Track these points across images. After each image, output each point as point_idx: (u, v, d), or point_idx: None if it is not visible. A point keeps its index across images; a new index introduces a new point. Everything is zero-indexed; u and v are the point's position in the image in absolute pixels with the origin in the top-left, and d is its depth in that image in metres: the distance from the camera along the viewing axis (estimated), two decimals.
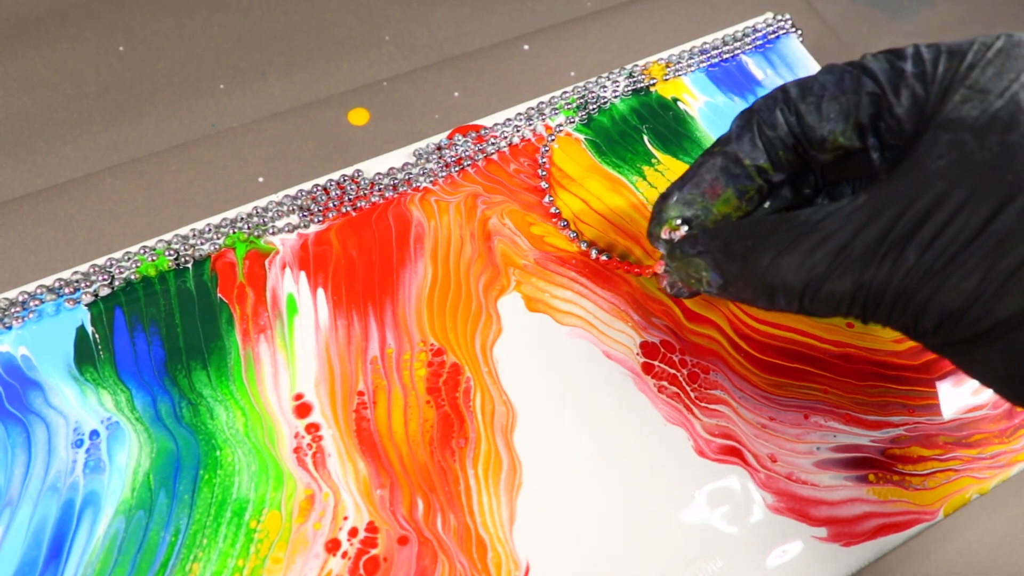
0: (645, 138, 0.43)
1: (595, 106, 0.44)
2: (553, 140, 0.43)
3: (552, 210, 0.40)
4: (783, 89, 0.32)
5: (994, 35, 0.28)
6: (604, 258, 0.39)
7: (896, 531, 0.35)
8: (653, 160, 0.43)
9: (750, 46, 0.47)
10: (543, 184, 0.41)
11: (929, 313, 0.27)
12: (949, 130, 0.27)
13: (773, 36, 0.48)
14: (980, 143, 0.26)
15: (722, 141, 0.34)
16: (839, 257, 0.28)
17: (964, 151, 0.26)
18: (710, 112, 0.45)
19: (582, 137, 0.43)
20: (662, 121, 0.44)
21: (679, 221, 0.34)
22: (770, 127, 0.32)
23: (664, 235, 0.34)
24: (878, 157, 0.31)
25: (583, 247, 0.39)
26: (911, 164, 0.27)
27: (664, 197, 0.34)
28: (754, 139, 0.33)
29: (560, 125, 0.43)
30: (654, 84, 0.45)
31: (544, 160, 0.42)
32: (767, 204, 0.35)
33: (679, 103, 0.45)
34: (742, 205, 0.34)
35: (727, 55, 0.47)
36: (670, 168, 0.42)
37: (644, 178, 0.42)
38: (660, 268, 0.37)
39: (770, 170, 0.33)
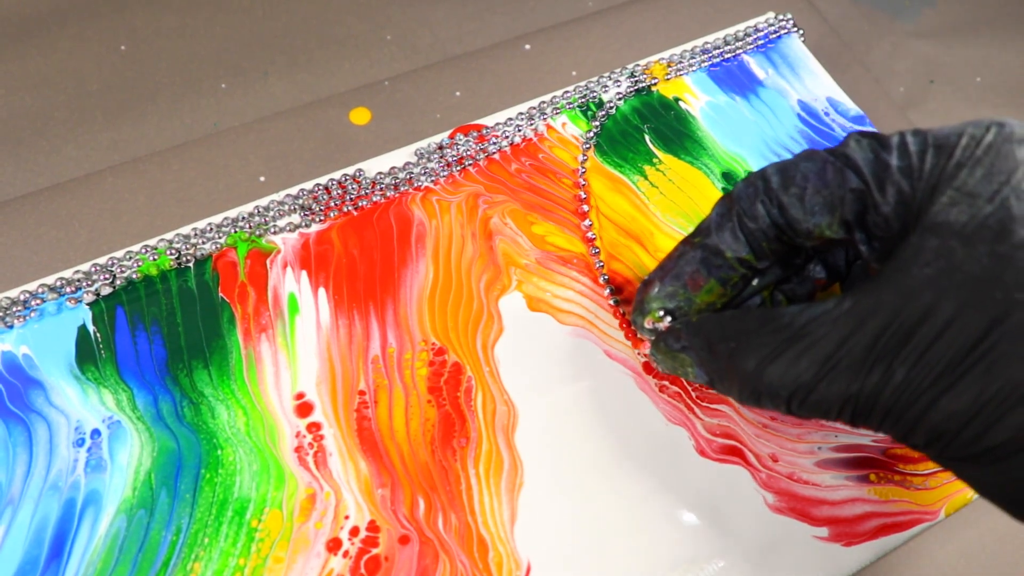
0: (647, 137, 0.43)
1: (603, 113, 0.44)
2: (586, 160, 0.42)
3: (589, 235, 0.40)
4: (763, 177, 0.31)
5: (984, 124, 0.27)
6: (616, 306, 0.39)
7: (897, 531, 0.35)
8: (654, 160, 0.43)
9: (752, 46, 0.47)
10: (584, 207, 0.41)
11: (919, 431, 0.26)
12: (937, 235, 0.26)
13: (775, 36, 0.48)
14: (969, 252, 0.25)
15: (701, 231, 0.33)
16: (825, 366, 0.27)
17: (952, 260, 0.25)
18: (711, 112, 0.45)
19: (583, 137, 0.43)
20: (663, 120, 0.44)
21: (662, 312, 0.33)
22: (751, 219, 0.31)
23: (648, 325, 0.34)
24: (866, 249, 0.29)
25: (603, 282, 0.39)
26: (897, 268, 0.26)
27: (645, 286, 0.34)
28: (735, 231, 0.32)
29: (589, 138, 0.43)
30: (655, 84, 0.45)
31: (583, 181, 0.41)
32: (755, 282, 0.34)
33: (680, 103, 0.45)
34: (727, 291, 0.33)
35: (729, 55, 0.47)
36: (671, 168, 0.42)
37: (645, 177, 0.42)
38: (647, 350, 0.37)
39: (753, 260, 0.32)
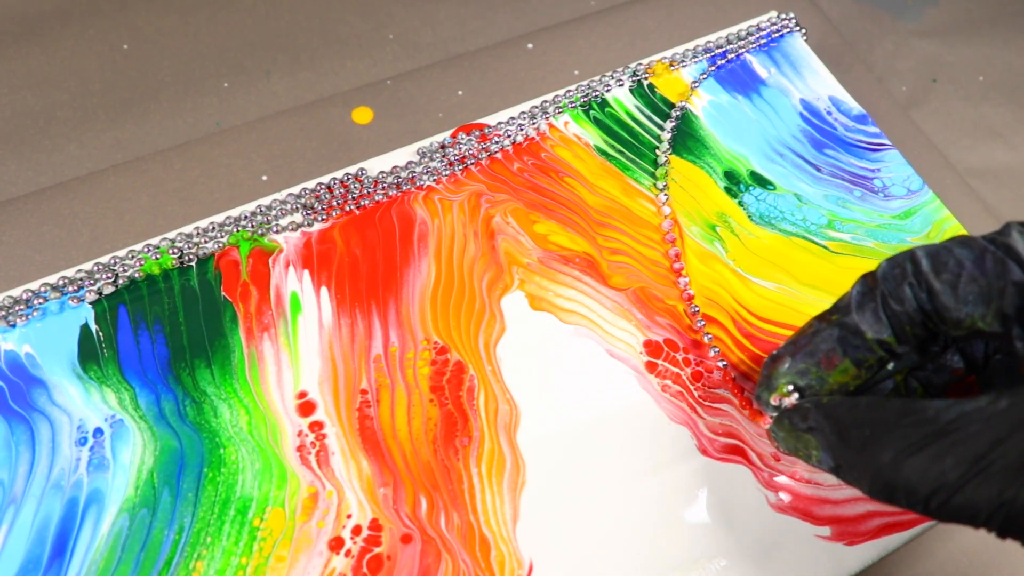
0: (650, 138, 0.43)
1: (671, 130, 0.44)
2: (667, 203, 0.41)
3: (688, 292, 0.39)
4: (912, 259, 0.29)
5: None
6: (720, 364, 0.37)
7: (899, 530, 0.34)
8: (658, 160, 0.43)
9: (754, 45, 0.47)
10: (672, 255, 0.40)
11: None
12: None
13: (777, 35, 0.48)
14: None
15: (840, 309, 0.31)
16: (975, 467, 0.24)
17: None
18: (714, 111, 0.45)
19: (591, 141, 0.43)
20: (667, 120, 0.44)
21: (791, 387, 0.32)
22: (897, 301, 0.30)
23: (773, 402, 0.32)
24: (1022, 346, 0.28)
25: (707, 341, 0.38)
26: None
27: (774, 361, 0.32)
28: (877, 311, 0.30)
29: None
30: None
31: (669, 221, 0.41)
32: (890, 366, 0.32)
33: (683, 102, 0.45)
34: (861, 373, 0.31)
35: (731, 54, 0.47)
36: (674, 167, 0.42)
37: (650, 177, 0.42)
38: (766, 424, 0.36)
39: (894, 344, 0.30)
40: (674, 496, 0.34)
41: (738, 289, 0.39)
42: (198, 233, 0.38)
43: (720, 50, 0.47)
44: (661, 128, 0.44)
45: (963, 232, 0.42)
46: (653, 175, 0.42)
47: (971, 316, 0.28)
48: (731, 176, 0.43)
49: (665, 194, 0.41)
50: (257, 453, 0.34)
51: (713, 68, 0.46)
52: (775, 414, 0.32)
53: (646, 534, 0.34)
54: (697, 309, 0.38)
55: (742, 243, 0.41)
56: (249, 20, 0.54)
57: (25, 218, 0.44)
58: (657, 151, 0.43)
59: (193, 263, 0.38)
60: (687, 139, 0.43)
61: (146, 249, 0.37)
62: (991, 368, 0.32)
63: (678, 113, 0.44)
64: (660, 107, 0.44)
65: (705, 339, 0.38)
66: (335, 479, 0.33)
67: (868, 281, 0.31)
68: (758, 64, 0.47)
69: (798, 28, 0.48)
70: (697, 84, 0.45)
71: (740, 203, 0.42)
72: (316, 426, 0.35)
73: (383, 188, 0.40)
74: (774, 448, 0.35)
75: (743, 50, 0.47)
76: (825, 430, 0.29)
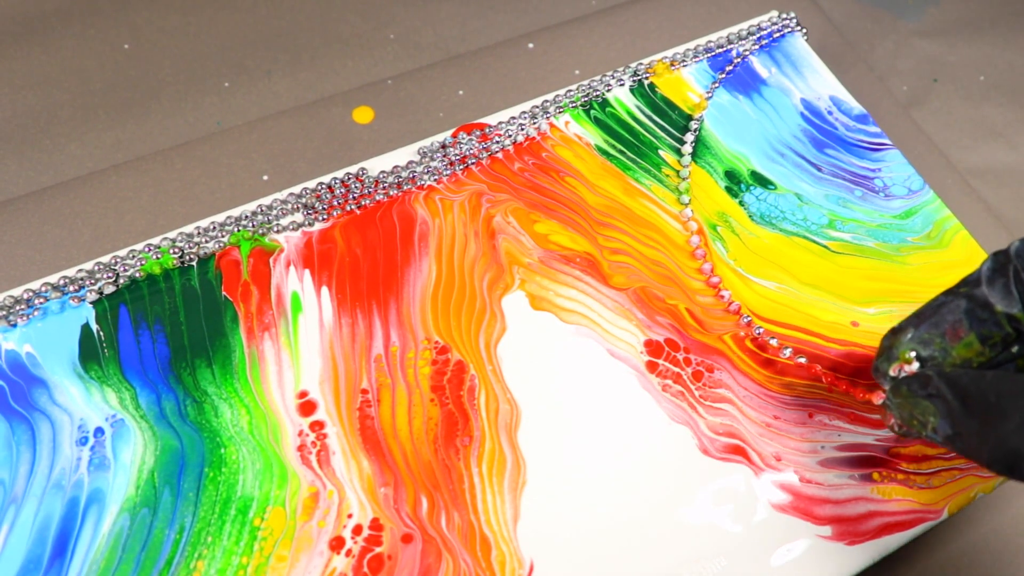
0: (651, 138, 0.43)
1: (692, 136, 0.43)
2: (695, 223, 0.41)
3: (734, 304, 0.39)
4: None
5: None
6: (800, 360, 0.37)
7: (900, 530, 0.35)
8: (659, 160, 0.43)
9: (755, 45, 0.47)
10: (707, 269, 0.40)
11: None
12: None
13: (778, 35, 0.48)
14: None
15: (969, 282, 0.31)
16: None
17: None
18: (715, 110, 0.45)
19: (592, 140, 0.43)
20: (668, 119, 0.44)
21: (912, 354, 0.31)
22: None
23: (893, 372, 0.32)
24: None
25: (774, 344, 0.38)
26: None
27: (896, 332, 0.32)
28: (1008, 286, 0.30)
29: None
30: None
31: (703, 253, 0.40)
32: (1014, 348, 0.31)
33: (684, 102, 0.45)
34: (985, 351, 0.31)
35: (737, 58, 0.47)
36: (678, 168, 0.42)
37: (651, 177, 0.42)
38: (878, 400, 0.35)
39: (1022, 319, 0.30)
40: (674, 496, 0.34)
41: (739, 289, 0.39)
42: (199, 233, 0.38)
43: (721, 50, 0.47)
44: (667, 133, 0.44)
45: (964, 232, 0.42)
46: (657, 177, 0.42)
47: None
48: (732, 176, 0.43)
49: (690, 208, 0.41)
50: (258, 453, 0.34)
51: (723, 75, 0.46)
52: (889, 385, 0.32)
53: (646, 534, 0.34)
54: (749, 318, 0.38)
55: (743, 243, 0.41)
56: (250, 20, 0.54)
57: (26, 217, 0.44)
58: (679, 162, 0.43)
59: (194, 263, 0.38)
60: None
61: (147, 249, 0.37)
62: None
63: (696, 125, 0.44)
64: (661, 107, 0.44)
65: (772, 343, 0.37)
66: (336, 479, 0.34)
67: (1000, 257, 0.31)
68: (759, 64, 0.47)
69: (799, 28, 0.48)
70: (710, 95, 0.45)
71: (741, 203, 0.42)
72: (317, 426, 0.35)
73: (384, 188, 0.40)
74: (887, 421, 0.33)
75: (749, 52, 0.47)
76: (947, 396, 0.29)
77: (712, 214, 0.41)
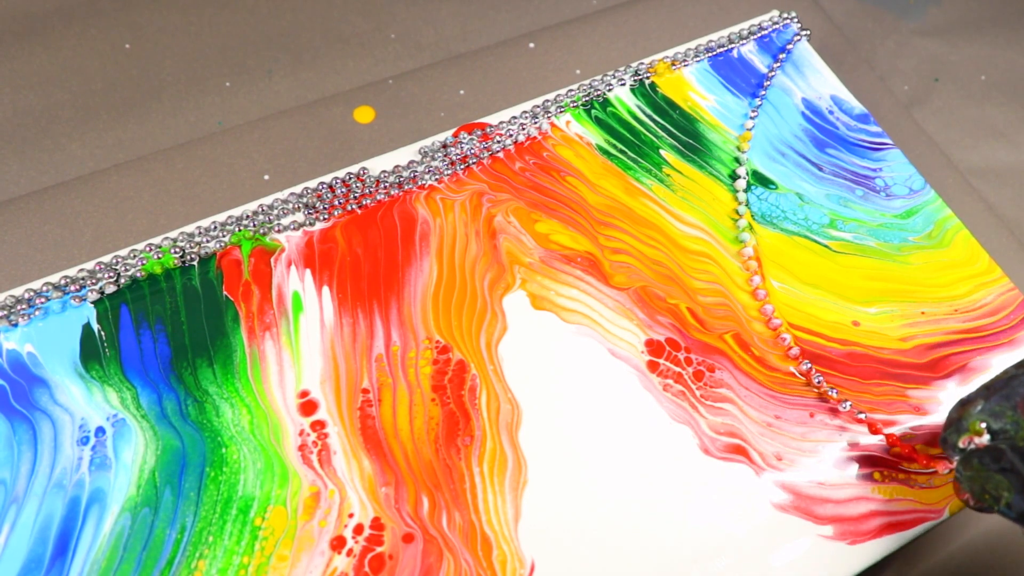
0: (652, 137, 0.43)
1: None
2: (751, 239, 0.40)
3: (786, 341, 0.38)
4: None
5: None
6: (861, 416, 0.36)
7: (902, 529, 0.34)
8: (660, 160, 0.43)
9: (756, 44, 0.47)
10: (768, 311, 0.39)
11: None
12: None
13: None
14: None
15: None
16: None
17: None
18: (716, 111, 0.45)
19: (593, 140, 0.43)
20: (668, 119, 0.44)
21: (983, 425, 0.31)
22: None
23: (962, 444, 0.31)
24: None
25: (834, 395, 0.37)
26: None
27: (965, 403, 0.32)
28: None
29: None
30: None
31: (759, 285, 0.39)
32: None
33: (685, 101, 0.45)
34: None
35: (734, 54, 0.47)
36: (678, 167, 0.42)
37: (652, 177, 0.42)
38: (944, 470, 0.35)
39: None
40: (675, 495, 0.34)
41: (739, 289, 0.39)
42: (200, 232, 0.38)
43: (722, 49, 0.47)
44: (668, 132, 0.44)
45: (965, 232, 0.42)
46: (658, 176, 0.42)
47: None
48: (732, 177, 0.43)
49: (751, 247, 0.40)
50: (259, 452, 0.34)
51: (759, 101, 0.45)
52: (958, 457, 0.31)
53: (647, 533, 0.34)
54: (810, 366, 0.37)
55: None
56: (251, 19, 0.54)
57: (27, 217, 0.44)
58: (735, 198, 0.42)
59: (195, 262, 0.38)
60: (690, 139, 0.43)
61: (148, 248, 0.37)
62: None
63: (746, 156, 0.43)
64: (662, 106, 0.44)
65: (831, 393, 0.36)
66: (337, 478, 0.34)
67: None
68: (760, 63, 0.47)
69: (800, 27, 0.48)
70: (753, 120, 0.44)
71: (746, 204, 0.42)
72: (318, 425, 0.35)
73: (385, 187, 0.40)
74: (959, 495, 0.33)
75: (747, 51, 0.47)
76: (1021, 471, 0.28)
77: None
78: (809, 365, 0.37)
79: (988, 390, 0.31)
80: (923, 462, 0.35)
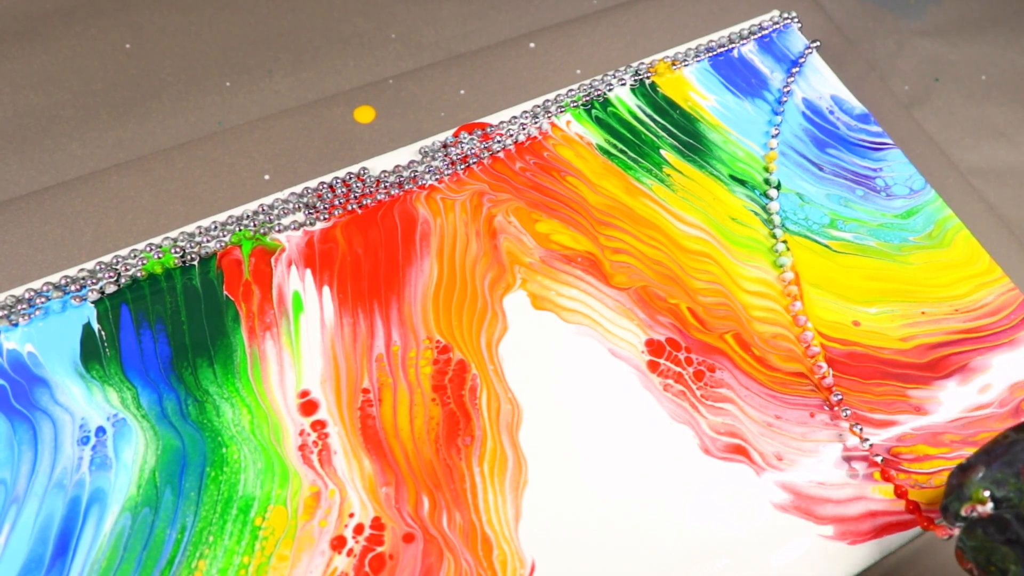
0: (652, 137, 0.43)
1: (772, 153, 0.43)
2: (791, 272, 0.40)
3: (820, 366, 0.37)
4: None
5: None
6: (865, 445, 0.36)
7: (902, 529, 0.34)
8: (660, 160, 0.43)
9: (757, 44, 0.47)
10: (808, 338, 0.38)
11: None
12: None
13: (780, 35, 0.48)
14: None
15: None
16: None
17: None
18: (717, 111, 0.45)
19: (593, 140, 0.43)
20: (669, 119, 0.44)
21: (987, 493, 0.30)
22: None
23: (965, 512, 0.30)
24: None
25: (860, 436, 0.36)
26: None
27: (965, 470, 0.31)
28: None
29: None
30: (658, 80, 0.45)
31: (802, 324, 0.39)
32: None
33: (685, 101, 0.45)
34: None
35: (734, 54, 0.47)
36: (679, 167, 0.42)
37: (653, 177, 0.42)
38: (944, 535, 0.34)
39: None
40: (676, 495, 0.34)
41: (740, 289, 0.39)
42: (200, 232, 0.38)
43: (722, 49, 0.47)
44: (668, 132, 0.44)
45: (966, 232, 0.42)
46: (658, 176, 0.42)
47: None
48: (733, 177, 0.43)
49: (791, 271, 0.40)
50: (259, 452, 0.34)
51: (780, 119, 0.45)
52: (960, 525, 0.31)
53: (648, 533, 0.34)
54: (841, 397, 0.37)
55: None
56: (251, 19, 0.54)
57: (27, 217, 0.44)
58: (770, 220, 0.41)
59: (195, 262, 0.38)
60: (691, 139, 0.43)
61: (148, 248, 0.37)
62: None
63: (775, 177, 0.43)
64: (662, 106, 0.44)
65: (855, 429, 0.36)
66: (337, 478, 0.34)
67: None
68: (760, 63, 0.47)
69: (801, 27, 0.48)
70: (776, 139, 0.44)
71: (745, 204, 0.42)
72: (318, 425, 0.35)
73: (385, 187, 0.40)
74: (963, 566, 0.32)
75: (747, 50, 0.47)
76: None
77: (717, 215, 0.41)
78: (840, 396, 0.36)
79: (988, 455, 0.30)
80: (924, 525, 0.34)
